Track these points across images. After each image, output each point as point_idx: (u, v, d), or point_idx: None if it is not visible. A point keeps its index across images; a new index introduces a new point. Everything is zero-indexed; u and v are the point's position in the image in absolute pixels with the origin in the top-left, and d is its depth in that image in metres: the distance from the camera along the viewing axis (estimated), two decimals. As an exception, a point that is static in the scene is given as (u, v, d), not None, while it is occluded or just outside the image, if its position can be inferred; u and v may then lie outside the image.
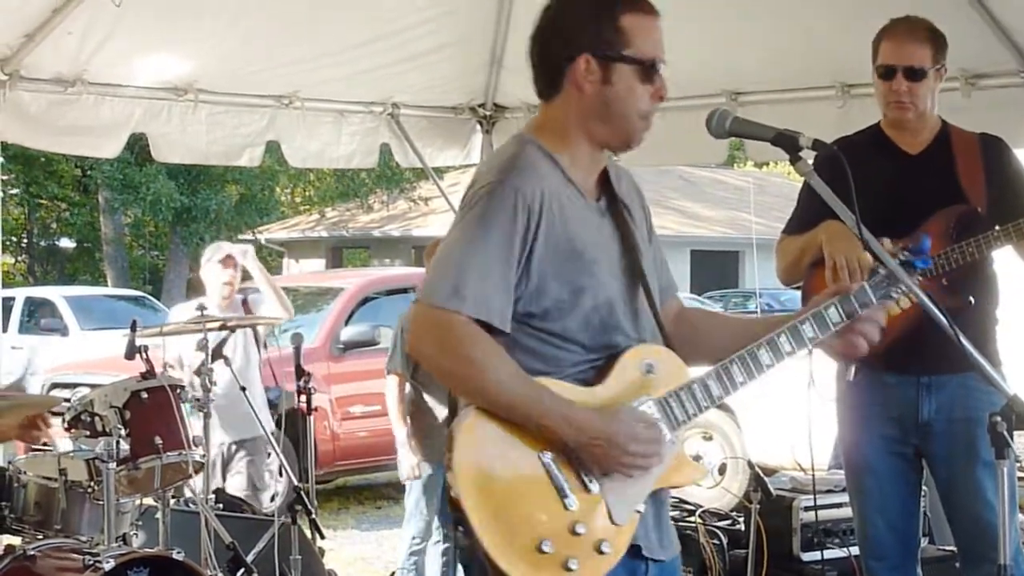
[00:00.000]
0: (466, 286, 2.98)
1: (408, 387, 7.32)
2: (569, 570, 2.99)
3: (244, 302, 7.81)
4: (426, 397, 7.31)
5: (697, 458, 6.32)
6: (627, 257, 3.23)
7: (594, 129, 3.18)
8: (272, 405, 8.07)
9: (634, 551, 3.13)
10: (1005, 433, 3.08)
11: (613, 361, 3.15)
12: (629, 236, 3.24)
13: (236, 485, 7.89)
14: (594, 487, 3.05)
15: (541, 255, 3.04)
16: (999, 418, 3.09)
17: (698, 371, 3.23)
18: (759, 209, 16.98)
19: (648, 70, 3.13)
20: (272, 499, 10.75)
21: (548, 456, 3.02)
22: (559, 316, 3.08)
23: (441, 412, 7.28)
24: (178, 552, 5.47)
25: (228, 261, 7.91)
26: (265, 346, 7.74)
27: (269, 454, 8.08)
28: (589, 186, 3.23)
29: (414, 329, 3.13)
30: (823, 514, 5.94)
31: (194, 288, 29.74)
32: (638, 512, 3.12)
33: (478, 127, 8.84)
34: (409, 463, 7.36)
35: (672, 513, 4.22)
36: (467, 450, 3.02)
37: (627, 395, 3.12)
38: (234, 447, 7.94)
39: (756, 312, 19.59)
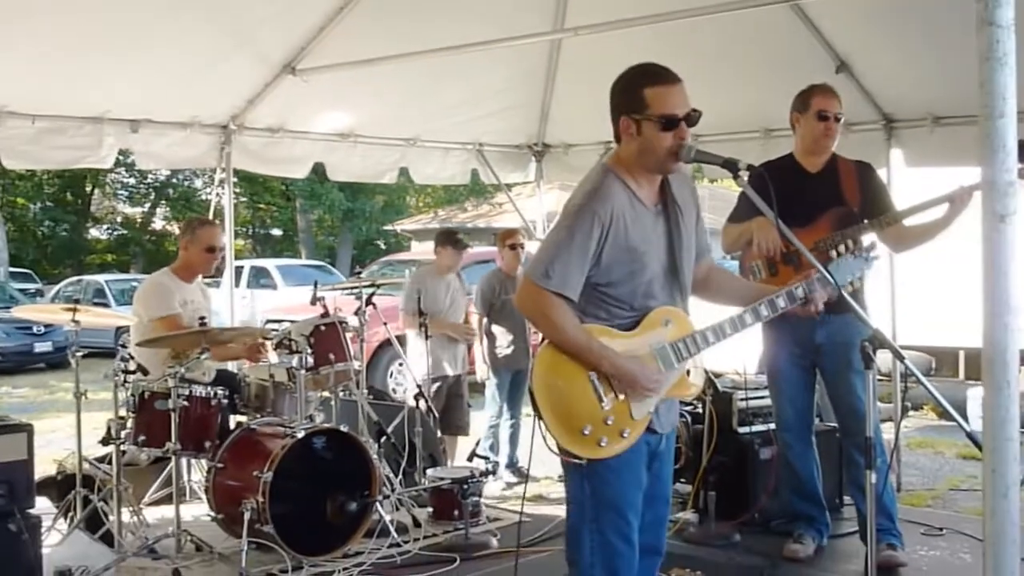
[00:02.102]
0: (554, 271, 3.04)
1: (484, 321, 7.28)
2: (600, 446, 3.06)
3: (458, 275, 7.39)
4: (495, 328, 7.29)
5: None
6: (670, 247, 3.20)
7: (641, 162, 3.12)
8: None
9: (650, 430, 3.17)
10: (871, 352, 3.06)
11: (644, 316, 3.15)
12: (675, 230, 3.20)
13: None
14: (622, 395, 3.09)
15: (609, 250, 3.06)
16: (867, 343, 3.06)
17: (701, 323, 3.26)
18: (711, 209, 16.76)
19: (666, 123, 3.05)
20: (404, 392, 10.81)
21: (594, 375, 3.07)
22: (616, 287, 3.11)
23: (505, 338, 7.27)
24: (344, 426, 5.51)
25: (462, 252, 7.29)
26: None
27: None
28: (650, 195, 3.19)
29: (520, 294, 3.19)
30: (752, 403, 5.89)
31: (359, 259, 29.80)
32: (650, 412, 3.14)
33: (533, 158, 8.85)
34: (483, 369, 7.34)
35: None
36: (542, 368, 3.09)
37: (650, 339, 3.15)
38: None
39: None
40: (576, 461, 3.06)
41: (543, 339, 3.14)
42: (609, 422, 3.05)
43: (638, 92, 3.07)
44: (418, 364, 6.90)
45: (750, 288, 3.47)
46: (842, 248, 3.39)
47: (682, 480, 6.01)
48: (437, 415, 6.79)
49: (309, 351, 5.59)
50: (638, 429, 3.11)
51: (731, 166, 3.10)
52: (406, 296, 7.05)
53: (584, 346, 3.04)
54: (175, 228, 33.89)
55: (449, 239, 7.26)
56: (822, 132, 4.91)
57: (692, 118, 3.09)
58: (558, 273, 3.02)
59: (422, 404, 6.48)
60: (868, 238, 4.66)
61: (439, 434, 6.81)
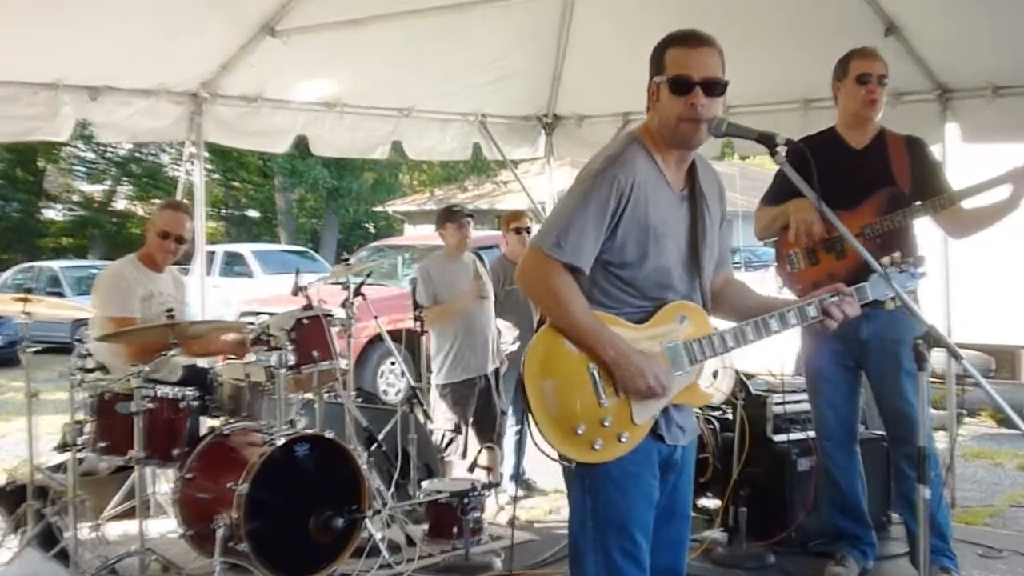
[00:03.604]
0: (567, 240, 2.99)
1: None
2: (595, 449, 3.02)
3: (478, 256, 7.39)
4: (499, 321, 7.25)
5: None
6: (692, 237, 3.17)
7: (661, 133, 3.10)
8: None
9: (659, 438, 3.13)
10: (924, 351, 3.01)
11: (658, 309, 3.12)
12: (699, 221, 3.18)
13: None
14: (624, 394, 3.04)
15: (625, 224, 3.02)
16: (920, 340, 3.01)
17: (723, 325, 3.22)
18: (742, 190, 16.81)
19: (678, 84, 3.03)
20: (397, 394, 10.80)
21: (595, 369, 3.02)
22: (629, 268, 3.07)
23: (511, 333, 7.22)
24: (329, 432, 5.50)
25: (466, 226, 7.17)
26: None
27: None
28: (677, 177, 3.16)
29: (524, 265, 3.14)
30: (788, 407, 5.88)
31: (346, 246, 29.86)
32: (654, 417, 3.09)
33: (542, 131, 8.87)
34: None
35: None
36: (537, 353, 3.04)
37: (662, 335, 3.11)
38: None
39: (740, 263, 19.51)
40: (565, 463, 3.05)
41: (541, 322, 3.12)
42: (606, 423, 3.01)
43: (663, 53, 3.09)
44: (456, 363, 6.76)
45: (770, 306, 3.33)
46: (886, 260, 3.36)
47: (709, 494, 6.00)
48: (467, 423, 6.74)
49: (290, 348, 5.57)
50: (638, 435, 3.07)
51: (767, 141, 3.07)
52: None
53: (589, 328, 3.01)
54: (139, 208, 33.95)
55: (447, 215, 7.16)
56: (863, 98, 4.88)
57: (712, 85, 3.05)
58: (571, 242, 2.99)
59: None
60: (919, 252, 4.62)
61: (477, 454, 6.74)
